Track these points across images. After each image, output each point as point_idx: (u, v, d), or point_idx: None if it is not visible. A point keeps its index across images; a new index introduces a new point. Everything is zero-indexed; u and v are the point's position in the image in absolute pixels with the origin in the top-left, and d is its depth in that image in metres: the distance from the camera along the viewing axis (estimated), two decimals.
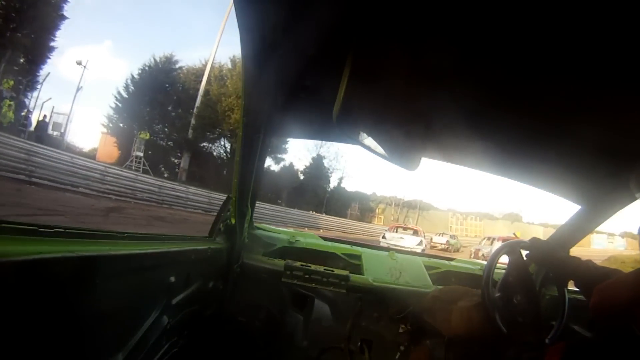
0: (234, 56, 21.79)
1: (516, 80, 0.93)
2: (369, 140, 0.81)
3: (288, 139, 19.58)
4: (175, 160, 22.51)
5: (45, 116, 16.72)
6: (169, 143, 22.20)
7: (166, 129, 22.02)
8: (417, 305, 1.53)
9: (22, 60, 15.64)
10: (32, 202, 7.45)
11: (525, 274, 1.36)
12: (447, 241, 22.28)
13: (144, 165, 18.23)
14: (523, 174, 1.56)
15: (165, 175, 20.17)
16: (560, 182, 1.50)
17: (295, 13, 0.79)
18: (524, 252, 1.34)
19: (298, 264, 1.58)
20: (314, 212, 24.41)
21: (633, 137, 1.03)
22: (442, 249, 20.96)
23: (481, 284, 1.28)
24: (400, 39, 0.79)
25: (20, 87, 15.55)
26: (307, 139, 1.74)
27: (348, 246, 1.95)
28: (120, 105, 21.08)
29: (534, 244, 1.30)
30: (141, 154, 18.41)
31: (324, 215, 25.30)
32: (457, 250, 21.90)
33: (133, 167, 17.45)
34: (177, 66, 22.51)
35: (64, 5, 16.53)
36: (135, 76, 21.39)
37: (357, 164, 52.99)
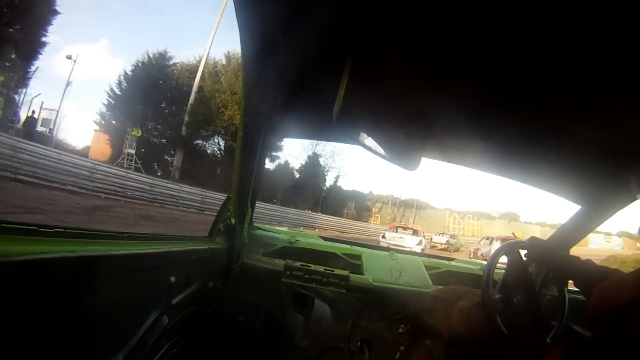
0: (228, 52, 21.66)
1: (516, 80, 0.93)
2: (369, 140, 0.81)
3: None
4: (169, 159, 22.15)
5: (33, 112, 16.52)
6: (162, 141, 21.83)
7: (159, 126, 21.64)
8: (417, 305, 1.53)
9: (13, 56, 15.25)
10: (14, 200, 7.30)
11: (525, 274, 1.36)
12: (447, 241, 22.34)
13: (135, 163, 18.01)
14: (523, 174, 1.57)
15: (159, 174, 19.90)
16: (561, 182, 1.50)
17: (295, 13, 0.79)
18: (524, 252, 1.34)
19: (298, 264, 1.58)
20: (310, 212, 24.24)
21: (633, 137, 1.03)
22: (442, 249, 20.99)
23: (481, 284, 1.28)
24: (400, 39, 0.79)
25: (12, 83, 15.30)
26: (307, 139, 1.74)
27: (348, 246, 1.95)
28: (112, 102, 20.69)
29: (533, 244, 1.30)
30: (133, 152, 18.18)
31: (320, 214, 25.11)
32: (457, 250, 21.94)
33: (125, 165, 17.22)
34: (171, 62, 22.15)
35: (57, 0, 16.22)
36: (128, 73, 20.96)
37: (353, 162, 52.90)
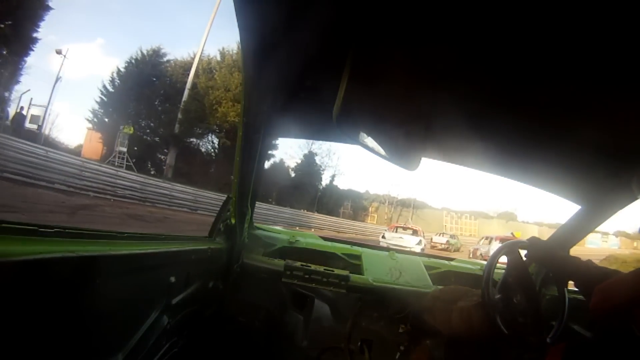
0: (222, 48, 21.25)
1: (516, 80, 0.93)
2: (368, 140, 0.81)
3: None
4: (162, 157, 21.62)
5: (22, 108, 16.16)
6: (155, 139, 21.31)
7: (152, 124, 21.13)
8: (417, 305, 1.53)
9: (4, 52, 14.86)
10: None
11: (525, 274, 1.36)
12: (447, 241, 22.38)
13: (127, 161, 17.51)
14: (523, 174, 1.57)
15: (152, 172, 19.49)
16: (560, 182, 1.50)
17: (295, 13, 0.79)
18: (524, 252, 1.34)
19: (298, 264, 1.58)
20: (306, 211, 23.83)
21: (633, 137, 1.03)
22: (442, 249, 21.03)
23: (481, 284, 1.28)
24: (400, 39, 0.79)
25: (1, 79, 14.99)
26: (307, 139, 1.75)
27: (348, 246, 1.95)
28: (105, 99, 20.20)
29: (533, 244, 1.30)
30: (125, 149, 17.63)
31: (315, 213, 24.71)
32: (458, 250, 21.96)
33: (116, 163, 16.73)
34: (164, 59, 21.74)
35: None
36: (122, 69, 20.49)
37: (350, 161, 52.30)
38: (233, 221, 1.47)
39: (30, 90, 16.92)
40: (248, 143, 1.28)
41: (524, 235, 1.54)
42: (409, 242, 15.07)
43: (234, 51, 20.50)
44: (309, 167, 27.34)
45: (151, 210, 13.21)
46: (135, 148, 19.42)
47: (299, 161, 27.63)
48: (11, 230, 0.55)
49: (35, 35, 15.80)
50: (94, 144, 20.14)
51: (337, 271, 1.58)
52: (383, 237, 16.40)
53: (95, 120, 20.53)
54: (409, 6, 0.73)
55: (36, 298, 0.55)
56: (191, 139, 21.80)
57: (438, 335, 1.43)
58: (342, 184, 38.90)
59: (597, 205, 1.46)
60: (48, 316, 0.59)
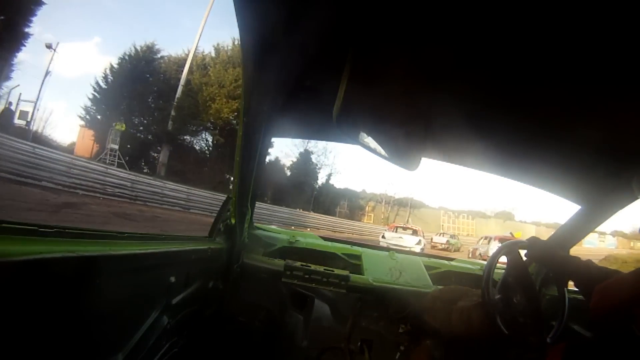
0: (217, 44, 20.99)
1: (516, 80, 0.93)
2: (368, 140, 0.81)
3: None
4: (156, 155, 21.08)
5: (10, 104, 15.87)
6: (148, 136, 20.81)
7: (145, 121, 20.66)
8: (417, 305, 1.53)
9: None
10: None
11: (525, 274, 1.36)
12: (448, 241, 22.43)
13: (119, 158, 17.18)
14: (523, 174, 1.57)
15: (145, 171, 19.21)
16: (560, 182, 1.50)
17: (295, 13, 0.79)
18: (523, 252, 1.34)
19: (298, 264, 1.58)
20: (301, 210, 23.48)
21: (633, 137, 1.03)
22: (442, 249, 21.05)
23: (481, 284, 1.28)
24: (400, 40, 0.79)
25: None
26: (307, 139, 1.75)
27: (348, 246, 1.95)
28: (98, 96, 19.72)
29: (532, 244, 1.30)
30: (116, 147, 17.31)
31: (311, 213, 24.37)
32: (458, 250, 21.98)
33: (107, 161, 16.46)
34: (159, 56, 21.30)
35: None
36: (115, 66, 19.98)
37: (346, 159, 51.70)
38: (233, 221, 1.47)
39: (20, 86, 16.60)
40: (248, 143, 1.28)
41: (522, 235, 1.54)
42: (409, 241, 15.17)
43: (229, 47, 20.27)
44: (305, 166, 26.97)
45: (141, 209, 12.93)
46: (128, 146, 19.04)
47: (295, 159, 27.34)
48: (11, 230, 0.55)
49: (27, 30, 15.43)
50: (87, 142, 19.78)
51: (337, 271, 1.58)
52: (383, 236, 16.51)
53: (87, 117, 20.14)
54: (409, 6, 0.73)
55: (36, 298, 0.55)
56: (185, 137, 21.45)
57: (438, 335, 1.43)
58: (338, 182, 38.20)
59: (597, 205, 1.46)
60: (48, 316, 0.59)
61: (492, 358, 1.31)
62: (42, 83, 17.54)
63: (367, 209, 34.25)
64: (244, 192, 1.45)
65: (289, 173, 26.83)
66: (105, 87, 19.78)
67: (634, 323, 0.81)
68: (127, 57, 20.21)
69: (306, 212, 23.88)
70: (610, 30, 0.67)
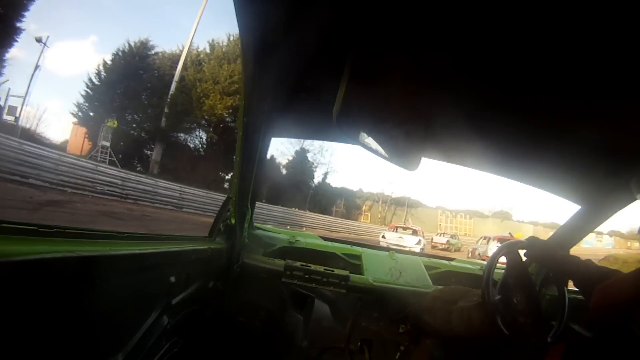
0: (212, 40, 20.67)
1: (515, 80, 0.93)
2: (369, 140, 0.81)
3: None
4: (149, 153, 20.69)
5: None
6: (142, 134, 20.43)
7: (138, 118, 20.17)
8: (417, 305, 1.53)
9: None
10: None
11: (525, 274, 1.36)
12: (448, 241, 22.46)
13: (110, 156, 16.82)
14: (523, 174, 1.57)
15: (138, 169, 18.80)
16: (560, 182, 1.50)
17: (296, 13, 0.79)
18: (523, 252, 1.34)
19: (298, 264, 1.58)
20: (297, 209, 23.20)
21: (633, 137, 1.03)
22: (442, 249, 21.07)
23: (481, 284, 1.28)
24: (400, 40, 0.79)
25: None
26: (307, 139, 1.75)
27: (348, 246, 1.95)
28: (91, 92, 19.25)
29: (532, 244, 1.30)
30: (108, 144, 16.96)
31: (307, 212, 24.10)
32: (458, 250, 21.98)
33: (98, 158, 16.09)
34: (152, 52, 20.91)
35: None
36: (108, 62, 19.58)
37: (343, 158, 51.07)
38: (233, 221, 1.47)
39: (9, 81, 16.27)
40: (248, 143, 1.28)
41: (522, 235, 1.55)
42: (409, 241, 15.28)
43: (224, 43, 19.99)
44: (301, 164, 26.58)
45: (131, 207, 12.60)
46: (121, 143, 18.68)
47: (291, 158, 26.94)
48: (11, 230, 0.55)
49: (19, 25, 15.07)
50: (80, 139, 19.44)
51: (337, 271, 1.58)
52: (383, 236, 16.61)
53: (80, 114, 19.77)
54: (409, 7, 0.73)
55: (36, 298, 0.55)
56: (178, 134, 21.14)
57: (438, 336, 1.43)
58: (335, 181, 37.83)
59: (597, 206, 1.47)
60: (48, 316, 0.59)
61: (492, 358, 1.31)
62: (32, 77, 17.23)
63: (363, 208, 33.95)
64: (244, 192, 1.45)
65: (284, 172, 26.50)
66: (98, 83, 19.36)
67: (634, 323, 0.81)
68: (120, 54, 19.78)
69: (302, 212, 23.67)
70: (610, 30, 0.67)
